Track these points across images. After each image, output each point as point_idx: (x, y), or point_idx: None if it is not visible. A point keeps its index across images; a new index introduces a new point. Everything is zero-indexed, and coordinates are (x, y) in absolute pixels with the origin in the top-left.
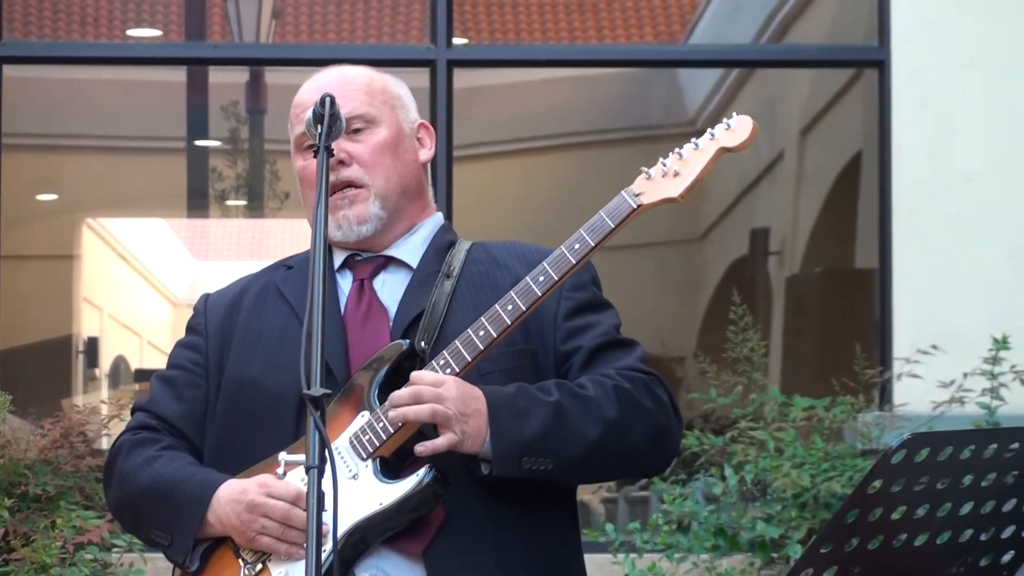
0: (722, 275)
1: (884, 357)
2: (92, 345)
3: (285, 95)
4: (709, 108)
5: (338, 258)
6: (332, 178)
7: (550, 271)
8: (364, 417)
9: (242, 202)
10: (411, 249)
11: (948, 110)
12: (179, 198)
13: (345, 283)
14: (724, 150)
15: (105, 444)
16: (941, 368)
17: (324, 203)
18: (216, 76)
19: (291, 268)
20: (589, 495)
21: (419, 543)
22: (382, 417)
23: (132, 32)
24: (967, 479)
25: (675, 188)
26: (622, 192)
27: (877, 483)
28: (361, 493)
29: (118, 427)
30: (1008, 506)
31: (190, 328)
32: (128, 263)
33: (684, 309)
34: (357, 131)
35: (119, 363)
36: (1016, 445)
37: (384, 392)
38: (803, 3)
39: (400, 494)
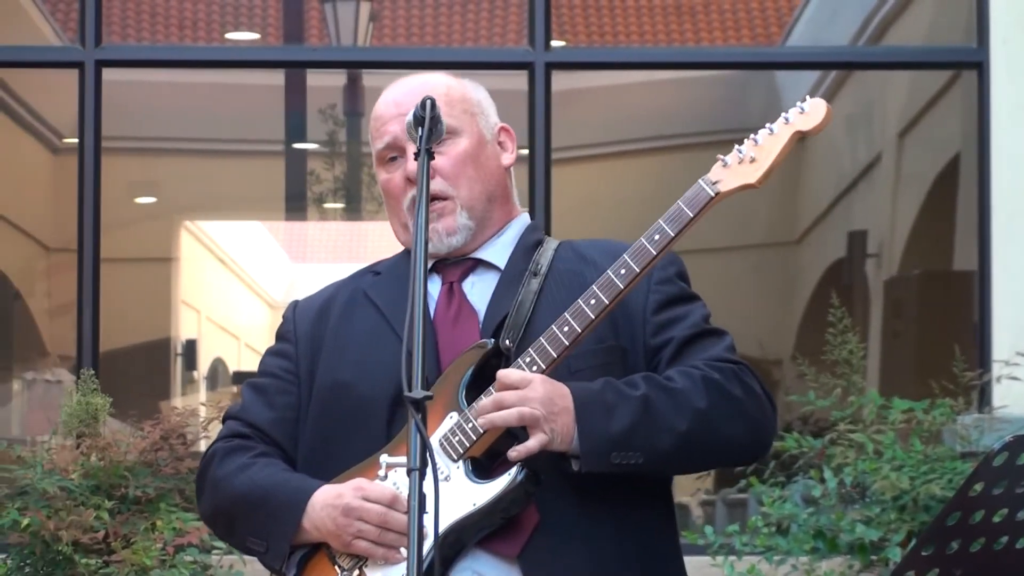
0: (820, 277)
1: (983, 359)
2: (190, 347)
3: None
4: None
5: (429, 261)
6: (415, 191)
7: (631, 263)
8: (453, 418)
9: (340, 205)
10: (499, 250)
11: None
12: (277, 201)
13: (434, 287)
14: (799, 134)
15: (204, 446)
16: None
17: (425, 206)
18: (314, 79)
19: (379, 274)
20: (687, 497)
21: (515, 545)
22: (471, 418)
23: (230, 35)
24: None
25: (752, 174)
26: (699, 181)
27: (978, 486)
28: (454, 494)
29: (217, 429)
30: None
31: (280, 335)
32: (226, 265)
33: (782, 311)
34: (439, 143)
35: (217, 365)
36: None
37: (472, 392)
38: (901, 5)
39: (493, 494)
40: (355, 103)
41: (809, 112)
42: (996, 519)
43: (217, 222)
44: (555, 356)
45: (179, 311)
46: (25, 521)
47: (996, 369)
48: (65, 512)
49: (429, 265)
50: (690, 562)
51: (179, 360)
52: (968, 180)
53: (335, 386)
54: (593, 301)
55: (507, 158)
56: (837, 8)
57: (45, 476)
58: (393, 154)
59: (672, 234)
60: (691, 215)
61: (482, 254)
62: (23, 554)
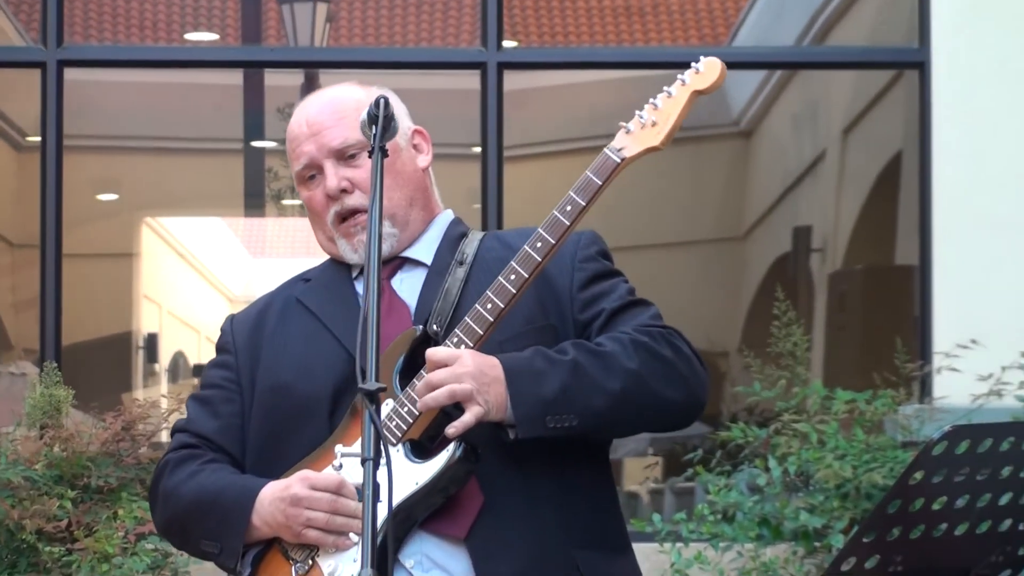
0: (765, 272)
1: (924, 352)
2: (151, 341)
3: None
4: (753, 109)
5: (355, 268)
6: (337, 207)
7: (546, 236)
8: (389, 405)
9: (297, 202)
10: (424, 247)
11: (988, 109)
12: (236, 197)
13: (360, 286)
14: (697, 93)
15: (165, 436)
16: (979, 362)
17: (379, 203)
18: (272, 79)
19: (309, 281)
20: (636, 486)
21: (462, 528)
22: (406, 402)
23: (190, 36)
24: (1006, 470)
25: (655, 138)
26: (604, 149)
27: (918, 474)
28: (397, 477)
29: (176, 419)
30: None
31: (219, 348)
32: (186, 261)
33: (728, 305)
34: (353, 156)
35: (178, 358)
36: None
37: (406, 378)
38: (845, 5)
39: (433, 472)
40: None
41: (704, 71)
42: (935, 507)
43: (177, 218)
44: (481, 333)
45: (140, 305)
46: None
47: (937, 361)
48: (29, 501)
49: (354, 274)
50: (639, 548)
51: (140, 353)
52: (910, 177)
53: (276, 387)
54: (513, 276)
55: (423, 160)
56: (782, 9)
57: (9, 467)
58: (312, 172)
59: (583, 203)
60: (599, 183)
61: (408, 253)
62: None
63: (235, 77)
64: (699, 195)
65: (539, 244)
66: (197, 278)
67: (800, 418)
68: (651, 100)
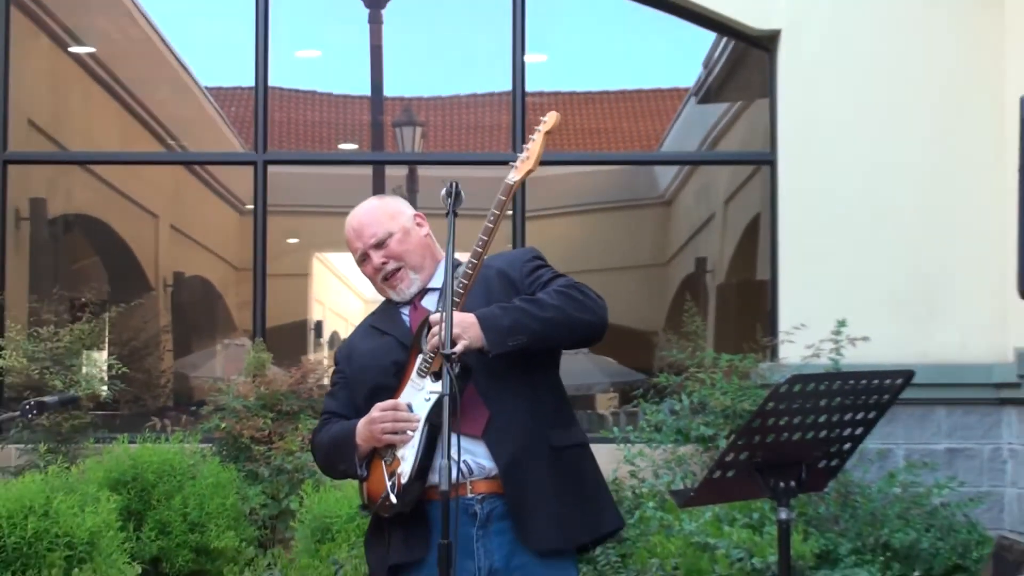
0: (679, 284)
1: (773, 331)
2: (319, 326)
3: (429, 183)
4: (672, 187)
5: (399, 304)
6: (383, 274)
7: (482, 237)
8: (420, 357)
9: None
10: (436, 279)
11: (812, 190)
12: None
13: (405, 312)
14: (547, 135)
15: (326, 381)
16: (806, 337)
17: (451, 246)
18: (390, 171)
19: (375, 314)
20: (603, 410)
21: (478, 429)
22: (428, 351)
23: (342, 145)
24: (823, 402)
25: (528, 166)
26: (504, 180)
27: (771, 404)
28: (428, 389)
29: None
30: (846, 417)
31: (335, 364)
32: (339, 278)
33: (658, 305)
34: (383, 243)
35: (334, 336)
36: (852, 382)
37: (424, 341)
38: (727, 125)
39: (448, 382)
40: (413, 185)
41: (548, 120)
42: (781, 422)
43: (334, 253)
44: (458, 300)
45: (312, 304)
46: (224, 424)
47: (781, 336)
48: (246, 419)
49: (400, 306)
50: (602, 448)
51: (311, 332)
52: (765, 229)
53: (361, 370)
54: (470, 265)
55: (424, 231)
56: (690, 126)
57: (235, 399)
58: (361, 257)
59: (497, 212)
60: (503, 199)
61: (429, 285)
62: (221, 444)
63: (367, 169)
64: (639, 238)
65: (481, 240)
66: (345, 288)
67: (700, 370)
68: (524, 145)
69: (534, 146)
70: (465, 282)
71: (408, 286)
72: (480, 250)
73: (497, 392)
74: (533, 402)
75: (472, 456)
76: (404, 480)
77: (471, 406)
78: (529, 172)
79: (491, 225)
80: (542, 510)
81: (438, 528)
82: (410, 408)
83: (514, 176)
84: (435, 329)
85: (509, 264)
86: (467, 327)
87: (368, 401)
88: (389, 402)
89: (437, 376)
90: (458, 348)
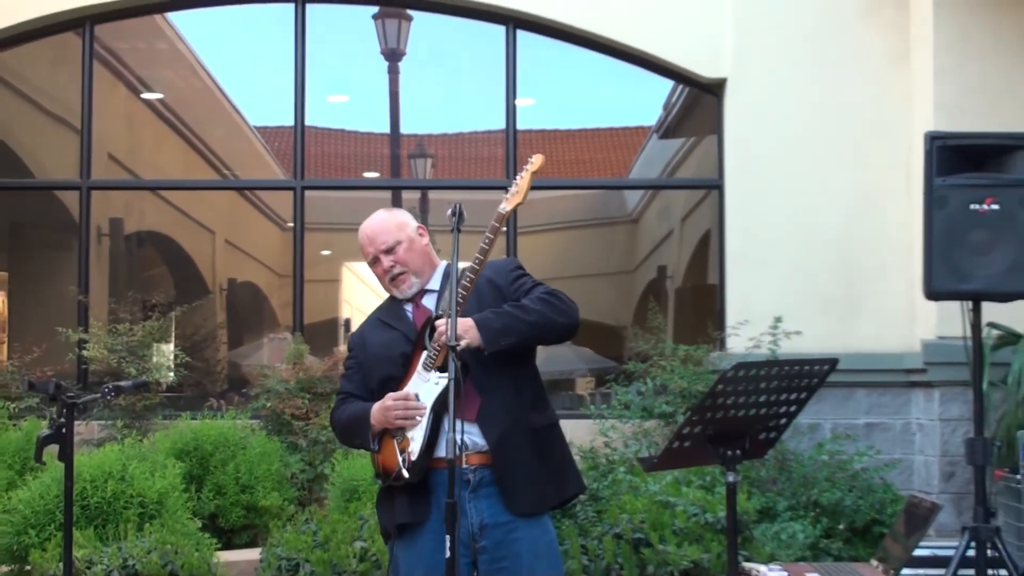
0: (644, 288)
1: (722, 326)
2: (348, 322)
3: (438, 205)
4: (639, 208)
5: (403, 301)
6: (390, 275)
7: (479, 255)
8: (425, 352)
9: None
10: (434, 283)
11: (753, 211)
12: None
13: (408, 307)
14: (533, 174)
15: None
16: (749, 331)
17: (455, 256)
18: (406, 194)
19: (383, 308)
20: (581, 391)
21: (472, 414)
22: (432, 348)
23: (365, 174)
24: (763, 384)
25: (517, 198)
26: (498, 209)
27: (720, 386)
28: (433, 382)
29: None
30: (782, 397)
31: (349, 349)
32: (365, 283)
33: (626, 305)
34: (392, 249)
35: None
36: (787, 368)
37: (429, 339)
38: (684, 156)
39: (451, 376)
40: (424, 207)
41: (535, 161)
42: (729, 402)
43: (361, 263)
44: (458, 308)
45: (342, 305)
46: (269, 404)
47: (728, 331)
48: (287, 400)
49: (403, 303)
50: (582, 424)
51: (342, 327)
52: (716, 243)
53: (377, 357)
54: (467, 279)
55: (425, 240)
56: (653, 158)
57: (278, 383)
58: (372, 260)
59: (492, 236)
60: (496, 225)
61: (427, 286)
62: (266, 420)
63: (387, 193)
64: (611, 250)
65: (477, 259)
66: (368, 291)
67: (661, 359)
68: (514, 179)
69: (523, 182)
70: (464, 293)
71: (410, 287)
72: (477, 267)
73: (487, 382)
74: (516, 390)
75: (468, 435)
76: (414, 457)
77: (466, 394)
78: (519, 204)
79: (486, 247)
80: (523, 481)
81: (438, 492)
82: (417, 397)
83: (505, 207)
84: (441, 329)
85: (496, 273)
86: (467, 329)
87: (381, 387)
88: (401, 392)
89: (440, 369)
90: (460, 346)
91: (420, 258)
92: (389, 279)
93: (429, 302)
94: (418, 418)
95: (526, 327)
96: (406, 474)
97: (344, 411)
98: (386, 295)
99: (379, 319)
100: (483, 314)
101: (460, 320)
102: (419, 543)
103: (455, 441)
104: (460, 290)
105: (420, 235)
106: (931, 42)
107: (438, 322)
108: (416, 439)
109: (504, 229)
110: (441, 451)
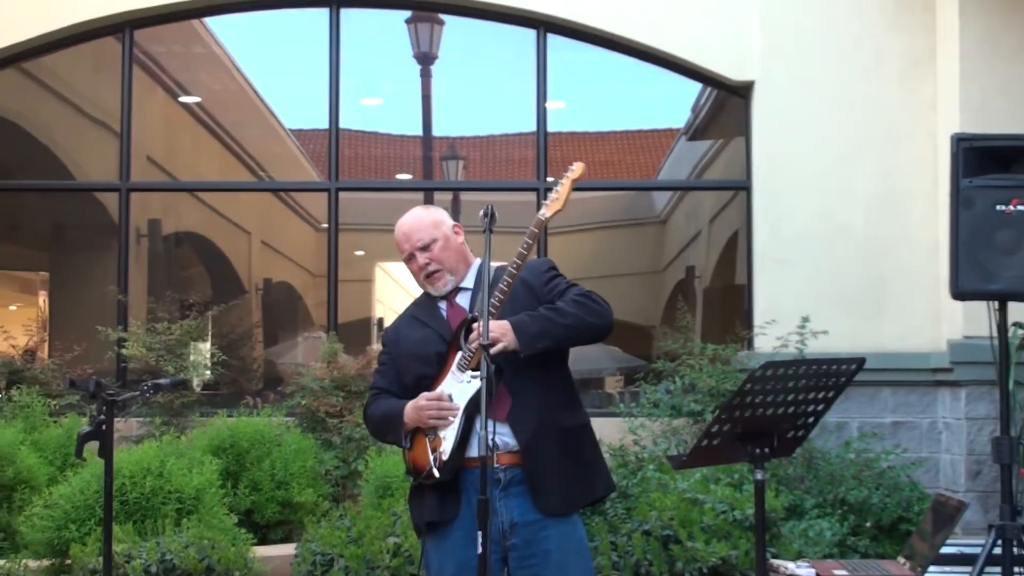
0: (672, 288)
1: (750, 325)
2: (380, 321)
3: (470, 206)
4: (667, 209)
5: (438, 298)
6: (426, 272)
7: (517, 260)
8: (460, 353)
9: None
10: (468, 281)
11: (782, 212)
12: None
13: (443, 305)
14: (573, 181)
15: None
16: (776, 331)
17: (487, 256)
18: (438, 196)
19: (417, 304)
20: (611, 390)
21: (503, 414)
22: (468, 349)
23: (398, 176)
24: (791, 383)
25: (556, 205)
26: (537, 214)
27: (748, 385)
28: (469, 383)
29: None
30: (810, 396)
31: (384, 344)
32: (397, 282)
33: (655, 304)
34: (427, 246)
35: None
36: (814, 368)
37: (465, 340)
38: (712, 158)
39: (486, 378)
40: (456, 208)
41: (576, 169)
42: (756, 400)
43: (393, 263)
44: (495, 312)
45: (375, 304)
46: (303, 401)
47: (756, 330)
48: (322, 397)
49: (438, 300)
50: (611, 422)
51: (375, 327)
52: (743, 244)
53: (411, 355)
54: (504, 283)
55: (460, 239)
56: (680, 159)
57: (313, 381)
58: (410, 257)
59: (531, 242)
60: (536, 231)
61: (461, 284)
62: (301, 417)
63: (419, 195)
64: (640, 251)
65: (516, 262)
66: (401, 291)
67: (690, 358)
68: (554, 187)
69: (563, 189)
70: (501, 296)
71: (444, 285)
72: (515, 271)
73: (518, 383)
74: (546, 391)
75: (499, 435)
76: (445, 457)
77: (498, 395)
78: (558, 211)
79: (524, 251)
80: (552, 480)
81: (469, 491)
82: (451, 398)
83: (545, 213)
84: (476, 332)
85: (530, 274)
86: (504, 332)
87: (415, 385)
88: (435, 392)
89: (475, 371)
90: (497, 348)
91: (455, 256)
92: (424, 276)
93: (464, 300)
94: (451, 419)
95: (562, 330)
96: (436, 473)
97: (378, 407)
98: (419, 292)
99: (413, 316)
100: (519, 317)
101: (497, 323)
102: (449, 540)
103: (487, 439)
104: (498, 293)
105: (456, 233)
106: (957, 44)
107: (475, 324)
108: (448, 439)
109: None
110: (472, 451)
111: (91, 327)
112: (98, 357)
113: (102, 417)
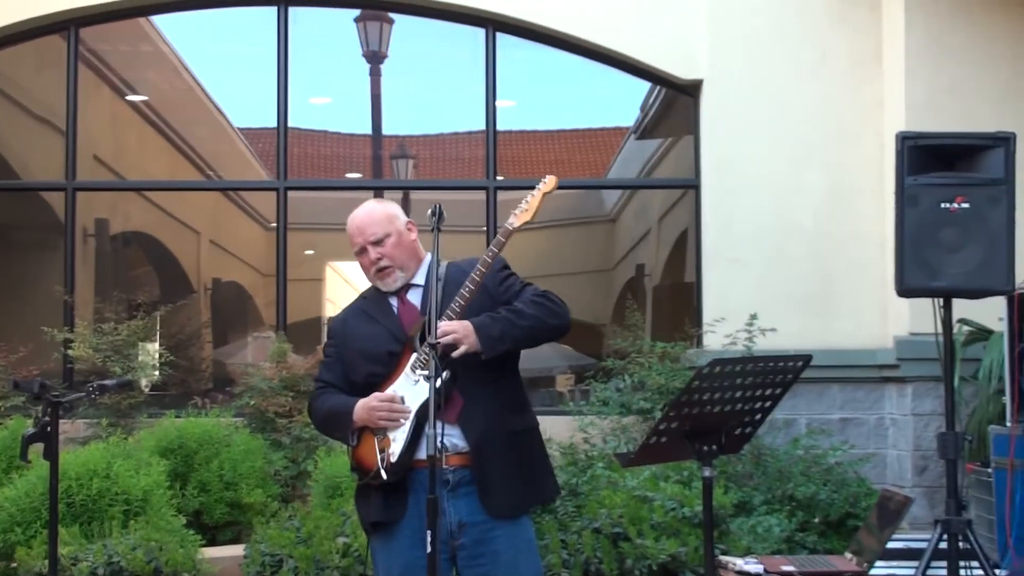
0: (623, 286)
1: (698, 323)
2: (330, 322)
3: (419, 205)
4: (616, 207)
5: (387, 293)
6: (376, 267)
7: (481, 267)
8: (415, 354)
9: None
10: (419, 277)
11: (731, 211)
12: None
13: (394, 301)
14: (544, 194)
15: None
16: (725, 328)
17: (436, 255)
18: (388, 194)
19: (366, 298)
20: (562, 388)
21: (453, 416)
22: (423, 352)
23: (348, 175)
24: (739, 381)
25: (527, 216)
26: (505, 224)
27: (696, 383)
28: (423, 386)
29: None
30: (757, 393)
31: (329, 336)
32: (347, 282)
33: (605, 303)
34: (380, 241)
35: None
36: (762, 365)
37: (421, 342)
38: (661, 156)
39: (440, 383)
40: (407, 208)
41: (548, 182)
42: (704, 398)
43: (343, 262)
44: (459, 312)
45: (325, 304)
46: (252, 402)
47: (705, 328)
48: (271, 397)
49: (388, 295)
50: (561, 420)
51: (324, 327)
52: (693, 242)
53: (359, 352)
54: (470, 285)
55: (413, 236)
56: (630, 158)
57: (262, 381)
58: (359, 250)
59: (496, 250)
60: (504, 240)
61: (412, 281)
62: (250, 418)
63: (369, 193)
64: (590, 249)
65: (480, 269)
66: (352, 291)
67: (639, 356)
68: (526, 197)
69: (533, 201)
70: (462, 303)
71: (394, 281)
72: (478, 278)
73: (470, 385)
74: (496, 393)
75: (448, 437)
76: (394, 459)
77: (449, 397)
78: (527, 222)
79: (489, 259)
80: (501, 484)
81: (416, 491)
82: (403, 400)
83: (514, 223)
84: (446, 328)
85: (487, 275)
86: (467, 334)
87: (364, 383)
88: (387, 394)
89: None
90: (460, 351)
91: (407, 253)
92: (375, 271)
93: (415, 297)
94: (402, 420)
95: (522, 332)
96: (384, 475)
97: (324, 402)
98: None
99: (362, 310)
100: (480, 319)
101: (459, 323)
102: (396, 540)
103: (435, 439)
104: (459, 299)
105: (409, 230)
106: (902, 43)
107: (442, 324)
108: (398, 440)
109: (483, 227)
110: (421, 452)
111: (37, 328)
112: (44, 358)
113: (47, 419)
